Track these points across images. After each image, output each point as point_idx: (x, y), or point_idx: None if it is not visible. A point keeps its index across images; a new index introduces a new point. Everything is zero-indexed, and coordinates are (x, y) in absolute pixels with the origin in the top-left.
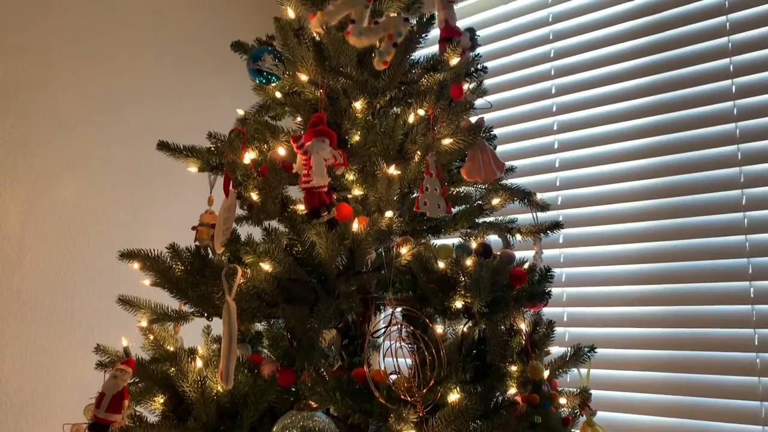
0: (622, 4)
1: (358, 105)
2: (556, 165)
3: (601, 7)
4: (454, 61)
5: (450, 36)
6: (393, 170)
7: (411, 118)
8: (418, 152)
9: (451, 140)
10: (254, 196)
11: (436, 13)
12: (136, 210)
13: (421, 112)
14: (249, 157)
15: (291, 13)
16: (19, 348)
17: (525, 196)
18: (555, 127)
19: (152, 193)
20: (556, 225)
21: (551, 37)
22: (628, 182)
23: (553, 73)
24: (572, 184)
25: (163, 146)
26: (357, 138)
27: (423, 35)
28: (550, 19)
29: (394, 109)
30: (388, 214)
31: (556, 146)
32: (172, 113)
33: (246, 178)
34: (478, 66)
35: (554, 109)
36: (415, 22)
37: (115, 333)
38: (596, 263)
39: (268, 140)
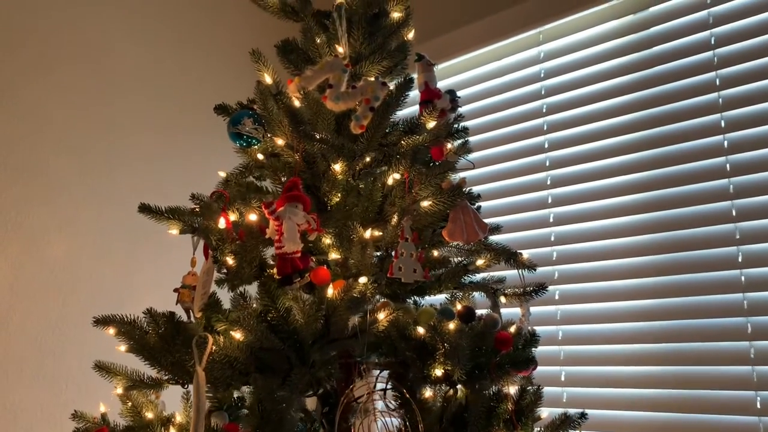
0: (608, 61)
1: (338, 167)
2: (551, 219)
3: (590, 62)
4: (431, 124)
5: (430, 98)
6: (369, 233)
7: (390, 181)
8: (395, 216)
9: (430, 202)
10: (230, 260)
11: (416, 76)
12: (127, 270)
13: (397, 175)
14: (224, 221)
15: (268, 79)
16: (3, 409)
17: (511, 257)
18: (549, 182)
19: (143, 253)
20: (542, 286)
21: (543, 93)
22: (624, 238)
23: (545, 128)
24: (567, 239)
25: (144, 209)
26: (336, 200)
27: (402, 98)
28: (542, 75)
29: (381, 169)
30: (363, 280)
31: (550, 200)
32: (164, 174)
33: (221, 243)
34: (460, 126)
35: (547, 163)
36: (393, 86)
37: (104, 394)
38: (592, 296)
39: (251, 202)
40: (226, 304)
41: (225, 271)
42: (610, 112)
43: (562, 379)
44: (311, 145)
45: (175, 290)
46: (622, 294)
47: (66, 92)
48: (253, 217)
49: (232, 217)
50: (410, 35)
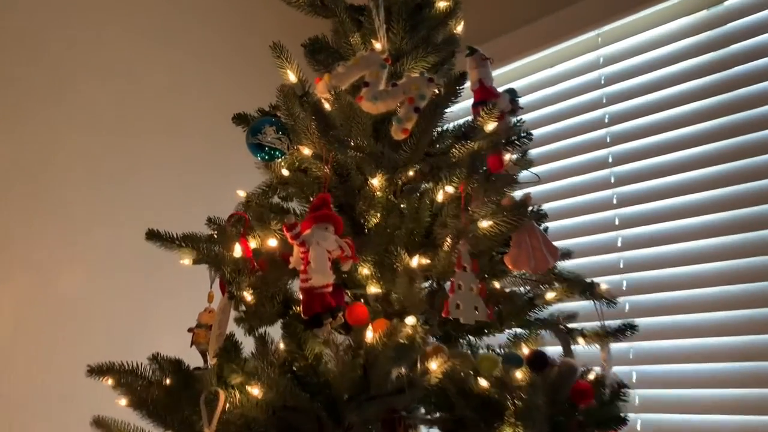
0: (678, 63)
1: (376, 182)
2: (618, 244)
3: (656, 66)
4: (490, 126)
5: (485, 98)
6: (417, 261)
7: (440, 197)
8: (447, 239)
9: (490, 222)
10: (248, 296)
11: (469, 73)
12: (144, 302)
13: (450, 189)
14: (241, 249)
15: (292, 77)
16: None
17: (587, 288)
18: (615, 201)
19: (160, 286)
20: (629, 327)
21: (604, 101)
22: (709, 263)
23: (608, 140)
24: (638, 266)
25: (152, 236)
26: (375, 221)
27: (453, 97)
28: (603, 81)
29: (423, 185)
30: (410, 320)
31: (617, 222)
32: (184, 200)
33: (236, 275)
34: (522, 132)
35: (612, 180)
36: (441, 82)
37: None
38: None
39: (270, 224)
40: (248, 347)
41: (243, 308)
42: (681, 120)
43: None
44: (344, 154)
45: (190, 330)
46: (706, 329)
47: (79, 114)
48: (272, 242)
49: (253, 243)
50: (459, 28)
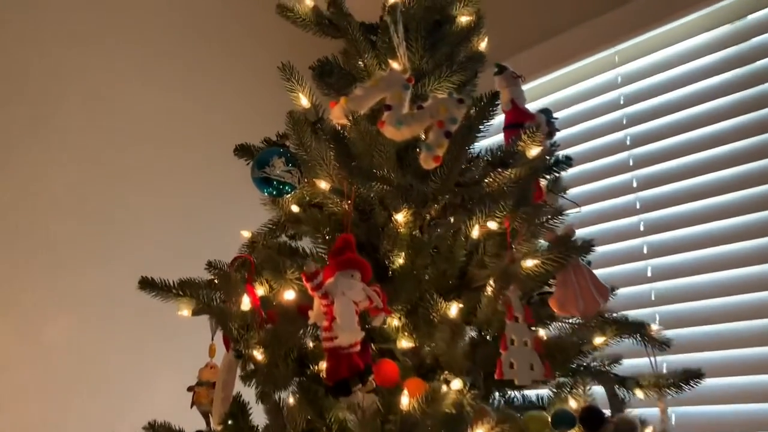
0: (701, 82)
1: (401, 217)
2: (648, 274)
3: (678, 84)
4: (533, 151)
5: (519, 120)
6: (456, 310)
7: (475, 232)
8: (491, 283)
9: (535, 261)
10: (257, 354)
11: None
12: (139, 353)
13: (493, 224)
14: (248, 301)
15: (304, 101)
16: None
17: (637, 330)
18: (642, 228)
19: (159, 331)
20: (696, 374)
21: (625, 122)
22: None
23: (632, 162)
24: (670, 297)
25: (146, 284)
26: (401, 261)
27: (487, 118)
28: (622, 101)
29: (450, 219)
30: (456, 384)
31: (645, 251)
32: (181, 239)
33: (243, 331)
34: (560, 157)
35: (638, 206)
36: (471, 103)
37: None
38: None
39: (286, 271)
40: (257, 410)
41: (252, 367)
42: (707, 141)
43: None
44: (367, 187)
45: (190, 389)
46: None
47: (66, 148)
48: (290, 294)
49: (260, 290)
50: (483, 45)
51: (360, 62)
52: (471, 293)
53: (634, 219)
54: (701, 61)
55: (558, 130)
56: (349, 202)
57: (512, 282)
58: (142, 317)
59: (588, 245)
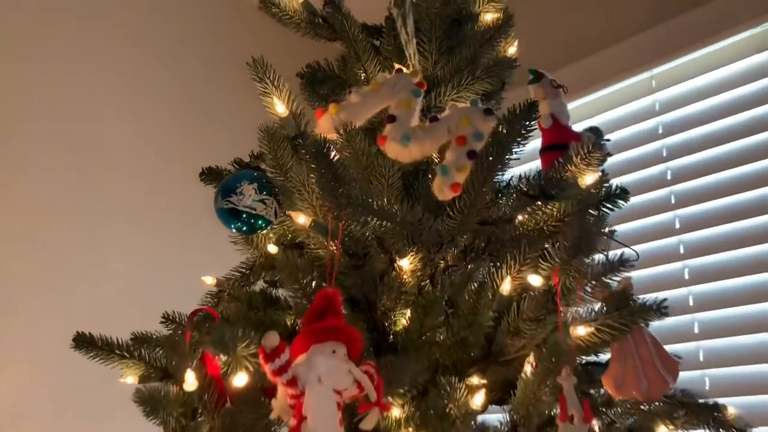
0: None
1: (406, 263)
2: (696, 330)
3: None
4: (589, 179)
5: (562, 141)
6: (481, 400)
7: (506, 287)
8: (531, 360)
9: (589, 329)
10: None
11: None
12: (99, 416)
13: (536, 280)
14: (194, 378)
15: (280, 108)
16: None
17: (711, 414)
18: (686, 276)
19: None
20: None
21: (665, 154)
22: None
23: (673, 200)
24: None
25: (81, 342)
26: (405, 323)
27: (521, 138)
28: (661, 131)
29: (470, 267)
30: None
31: (691, 303)
32: (143, 279)
33: (186, 420)
34: (615, 189)
35: (682, 250)
36: (502, 114)
37: None
38: None
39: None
40: None
41: None
42: (755, 179)
43: None
44: (362, 223)
45: None
46: None
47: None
48: (241, 379)
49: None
50: (512, 49)
51: (360, 70)
52: (499, 368)
53: (677, 265)
54: (748, 88)
55: (610, 154)
56: (336, 242)
57: (563, 361)
58: (103, 374)
59: (660, 307)
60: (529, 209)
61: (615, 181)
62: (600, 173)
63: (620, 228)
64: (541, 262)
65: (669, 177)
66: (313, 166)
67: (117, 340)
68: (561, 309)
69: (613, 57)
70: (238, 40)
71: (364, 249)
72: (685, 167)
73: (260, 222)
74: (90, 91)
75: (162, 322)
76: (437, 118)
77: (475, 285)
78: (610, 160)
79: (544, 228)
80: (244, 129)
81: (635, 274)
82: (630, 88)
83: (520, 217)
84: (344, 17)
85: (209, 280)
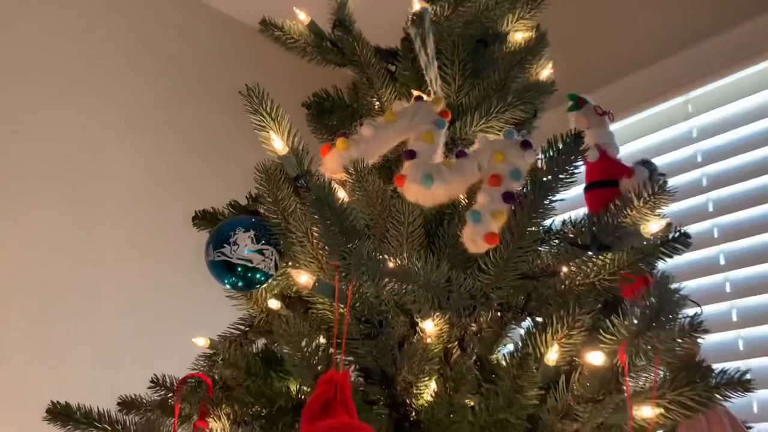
0: None
1: (431, 327)
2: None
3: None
4: (654, 226)
5: (611, 177)
6: None
7: (553, 356)
8: None
9: (657, 410)
10: None
11: None
12: None
13: (598, 358)
14: None
15: (278, 144)
16: None
17: None
18: (734, 318)
19: None
20: None
21: (705, 183)
22: None
23: (716, 234)
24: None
25: (56, 414)
26: (429, 399)
27: (567, 175)
28: (700, 159)
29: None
30: None
31: (741, 347)
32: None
33: None
34: (676, 231)
35: (728, 288)
36: (541, 149)
37: None
38: None
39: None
40: None
41: None
42: None
43: None
44: (374, 284)
45: None
46: None
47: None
48: None
49: (217, 428)
50: (546, 72)
51: (373, 98)
52: None
53: (724, 306)
54: None
55: (670, 194)
56: (343, 307)
57: None
58: None
59: (744, 381)
60: (576, 260)
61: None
62: (666, 219)
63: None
64: (603, 334)
65: (711, 209)
66: (316, 216)
67: (98, 409)
68: (628, 391)
69: (645, 80)
70: (238, 67)
71: (379, 315)
72: (728, 197)
73: (258, 276)
74: (90, 123)
75: (150, 387)
76: (465, 154)
77: (518, 354)
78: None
79: (595, 283)
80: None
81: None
82: (665, 113)
83: (565, 269)
84: (355, 39)
85: (201, 342)
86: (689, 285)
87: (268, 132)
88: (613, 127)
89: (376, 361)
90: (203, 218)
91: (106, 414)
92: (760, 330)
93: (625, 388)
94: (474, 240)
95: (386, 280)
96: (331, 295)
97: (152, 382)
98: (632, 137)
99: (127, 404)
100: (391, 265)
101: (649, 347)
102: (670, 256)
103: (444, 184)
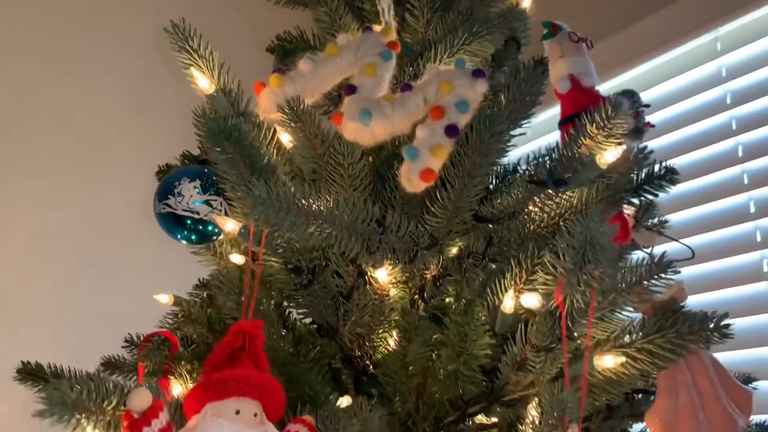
0: None
1: (383, 276)
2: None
3: None
4: (610, 154)
5: (585, 107)
6: None
7: (508, 303)
8: (536, 403)
9: (620, 358)
10: None
11: (550, 67)
12: None
13: (531, 299)
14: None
15: (203, 82)
16: None
17: None
18: (765, 268)
19: None
20: None
21: (734, 127)
22: None
23: (746, 181)
24: None
25: (24, 374)
26: (385, 350)
27: (526, 107)
28: (729, 101)
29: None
30: None
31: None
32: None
33: None
34: (660, 169)
35: (758, 238)
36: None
37: None
38: None
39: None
40: None
41: None
42: None
43: None
44: (270, 224)
45: None
46: None
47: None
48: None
49: (177, 388)
50: (526, 1)
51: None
52: (505, 410)
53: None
54: None
55: (652, 126)
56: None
57: (571, 413)
58: None
59: (720, 324)
60: (538, 200)
61: (675, 161)
62: (636, 150)
63: (684, 215)
64: (541, 273)
65: (740, 153)
66: (217, 150)
67: (76, 371)
68: (566, 336)
69: (667, 18)
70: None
71: (310, 262)
72: (758, 141)
73: (210, 227)
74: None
75: (125, 347)
76: (411, 87)
77: (464, 302)
78: (670, 137)
79: (560, 223)
80: None
81: (709, 266)
82: (691, 53)
83: (528, 211)
84: None
85: (164, 299)
86: (715, 237)
87: (193, 68)
88: (635, 71)
89: (318, 312)
90: (167, 172)
91: (81, 373)
92: None
93: (582, 334)
94: (409, 178)
95: (320, 224)
96: (246, 239)
97: (126, 341)
98: (656, 81)
99: (111, 365)
100: (323, 204)
101: (587, 287)
102: (656, 195)
103: (384, 120)
